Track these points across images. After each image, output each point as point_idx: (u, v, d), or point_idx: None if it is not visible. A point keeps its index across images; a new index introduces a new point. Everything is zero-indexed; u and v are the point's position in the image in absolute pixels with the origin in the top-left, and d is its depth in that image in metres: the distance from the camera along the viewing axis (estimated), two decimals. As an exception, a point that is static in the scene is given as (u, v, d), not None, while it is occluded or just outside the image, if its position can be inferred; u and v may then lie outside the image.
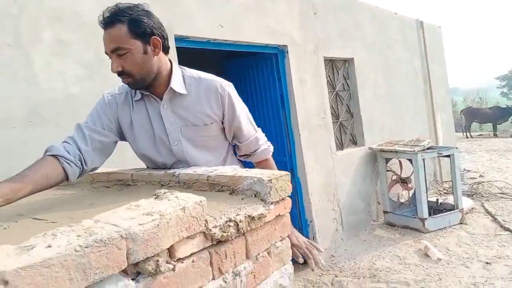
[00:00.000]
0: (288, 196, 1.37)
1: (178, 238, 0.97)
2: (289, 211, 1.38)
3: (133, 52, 1.46)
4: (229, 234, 1.11)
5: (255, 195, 1.30)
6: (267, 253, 1.30)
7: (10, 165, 2.05)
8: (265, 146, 1.79)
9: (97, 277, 0.78)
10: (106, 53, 1.50)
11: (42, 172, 1.36)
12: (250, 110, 1.77)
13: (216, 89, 1.63)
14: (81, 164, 1.49)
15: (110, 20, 1.43)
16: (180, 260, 1.00)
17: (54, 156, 1.42)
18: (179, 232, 0.97)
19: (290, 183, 1.37)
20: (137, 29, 1.45)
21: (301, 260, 1.58)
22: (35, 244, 0.75)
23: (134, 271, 0.89)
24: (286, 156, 4.13)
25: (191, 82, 1.63)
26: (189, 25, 3.15)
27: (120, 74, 1.50)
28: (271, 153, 1.81)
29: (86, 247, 0.76)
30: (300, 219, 4.20)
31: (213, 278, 1.09)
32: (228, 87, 1.68)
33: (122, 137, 1.70)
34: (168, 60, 1.62)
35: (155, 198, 1.05)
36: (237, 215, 1.17)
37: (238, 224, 1.15)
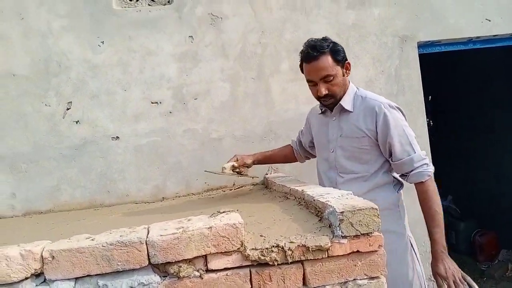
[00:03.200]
0: (376, 233, 1.22)
1: (204, 252, 1.15)
2: (378, 249, 1.22)
3: (337, 76, 1.79)
4: (269, 259, 1.17)
5: (329, 226, 1.25)
6: (342, 288, 1.23)
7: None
8: (421, 169, 1.71)
9: (120, 267, 1.11)
10: (310, 80, 1.85)
11: (284, 153, 2.37)
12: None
13: (374, 108, 1.80)
14: (300, 153, 2.31)
15: (316, 54, 1.76)
16: (213, 271, 1.18)
17: (291, 146, 2.36)
18: (204, 247, 1.15)
19: (377, 218, 1.21)
20: (337, 57, 1.78)
21: None
22: (95, 237, 1.16)
23: (164, 270, 1.16)
24: None
25: (358, 100, 1.86)
26: (438, 28, 2.86)
27: (324, 96, 1.82)
28: (427, 177, 1.71)
29: (110, 245, 1.11)
30: None
31: (252, 296, 1.19)
32: (387, 108, 1.77)
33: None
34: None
35: (210, 216, 1.26)
36: (291, 242, 1.20)
37: (286, 252, 1.18)
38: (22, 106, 2.57)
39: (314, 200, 1.45)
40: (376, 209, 1.22)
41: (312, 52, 1.76)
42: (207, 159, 2.71)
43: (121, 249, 1.11)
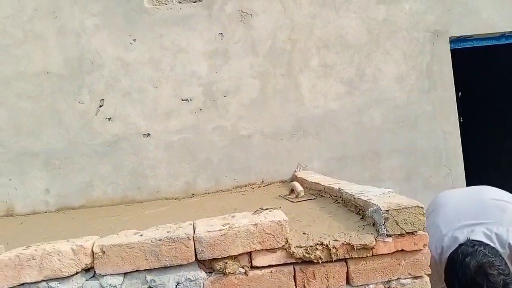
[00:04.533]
0: (421, 231, 1.20)
1: (249, 249, 1.16)
2: (423, 248, 1.21)
3: None
4: (313, 256, 1.17)
5: (373, 224, 1.24)
6: (387, 287, 1.22)
7: (277, 168, 2.66)
8: None
9: (167, 263, 1.13)
10: None
11: None
12: None
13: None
14: None
15: None
16: (257, 268, 1.18)
17: None
18: (250, 243, 1.16)
19: (422, 216, 1.20)
20: None
21: None
22: (143, 233, 1.18)
23: (210, 266, 1.17)
24: None
25: None
26: (471, 23, 2.80)
27: None
28: None
29: (159, 240, 1.12)
30: None
31: (296, 293, 1.19)
32: None
33: None
34: None
35: (254, 212, 1.27)
36: (335, 240, 1.19)
37: (330, 250, 1.18)
38: (56, 103, 2.62)
39: (354, 198, 1.44)
40: (422, 207, 1.20)
41: None
42: (236, 156, 2.72)
43: (169, 244, 1.13)
